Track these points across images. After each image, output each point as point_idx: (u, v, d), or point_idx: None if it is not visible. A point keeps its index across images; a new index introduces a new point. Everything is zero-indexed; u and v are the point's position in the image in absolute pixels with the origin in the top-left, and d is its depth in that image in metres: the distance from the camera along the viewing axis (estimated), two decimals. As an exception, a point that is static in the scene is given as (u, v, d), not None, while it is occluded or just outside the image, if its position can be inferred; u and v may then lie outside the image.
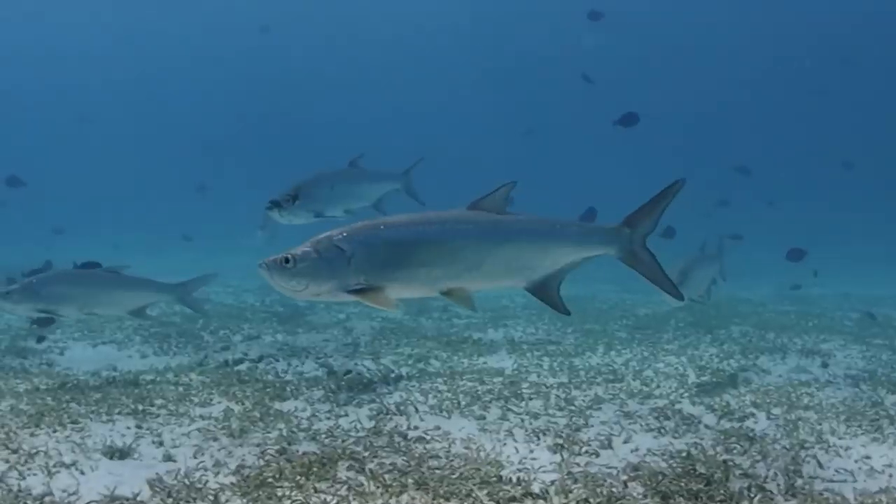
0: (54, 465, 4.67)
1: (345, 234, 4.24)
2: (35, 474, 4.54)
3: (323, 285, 4.22)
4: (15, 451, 4.88)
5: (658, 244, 4.69)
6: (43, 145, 46.84)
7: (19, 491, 4.32)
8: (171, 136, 46.97)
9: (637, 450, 4.72)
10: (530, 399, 5.93)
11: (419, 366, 7.44)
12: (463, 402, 5.77)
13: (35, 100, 49.30)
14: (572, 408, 5.69)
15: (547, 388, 6.38)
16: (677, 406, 5.80)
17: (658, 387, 6.53)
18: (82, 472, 4.59)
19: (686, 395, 6.23)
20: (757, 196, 22.43)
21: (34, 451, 4.89)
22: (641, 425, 5.27)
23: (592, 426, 5.22)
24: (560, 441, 4.84)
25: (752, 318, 11.38)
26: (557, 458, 4.56)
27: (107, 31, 48.40)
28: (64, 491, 4.34)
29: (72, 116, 40.59)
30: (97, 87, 48.77)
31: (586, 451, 4.66)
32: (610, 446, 4.77)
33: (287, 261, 4.20)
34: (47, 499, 4.25)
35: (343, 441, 4.96)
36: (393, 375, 6.96)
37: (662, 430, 5.15)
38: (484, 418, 5.42)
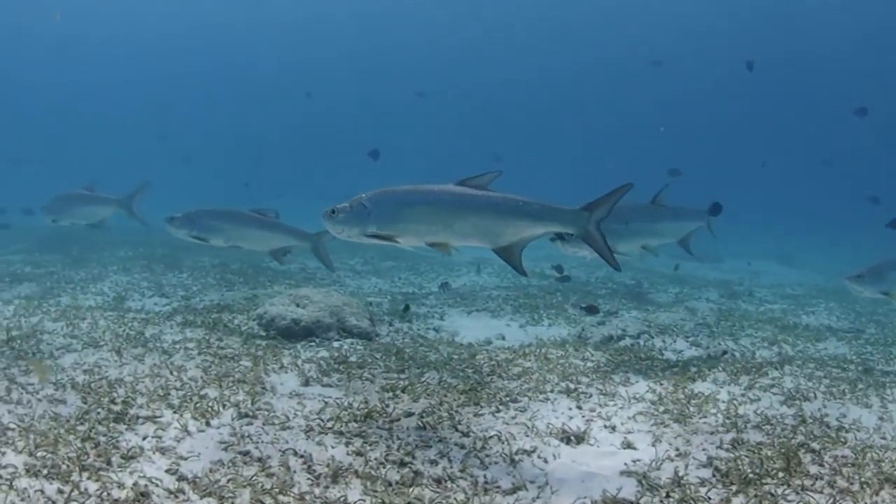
0: (516, 452, 4.40)
1: (369, 196, 5.53)
2: (496, 463, 4.25)
3: (353, 230, 5.48)
4: (466, 434, 4.66)
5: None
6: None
7: (486, 482, 4.01)
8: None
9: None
10: (892, 387, 7.05)
11: (774, 349, 8.63)
12: (846, 389, 6.64)
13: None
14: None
15: (885, 374, 7.63)
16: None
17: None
18: (545, 461, 4.31)
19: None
20: None
21: (486, 434, 4.68)
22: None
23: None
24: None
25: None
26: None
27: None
28: (532, 482, 4.03)
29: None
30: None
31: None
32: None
33: (333, 212, 5.55)
34: (521, 493, 3.92)
35: (782, 430, 5.23)
36: (775, 359, 7.81)
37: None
38: (870, 406, 6.22)
